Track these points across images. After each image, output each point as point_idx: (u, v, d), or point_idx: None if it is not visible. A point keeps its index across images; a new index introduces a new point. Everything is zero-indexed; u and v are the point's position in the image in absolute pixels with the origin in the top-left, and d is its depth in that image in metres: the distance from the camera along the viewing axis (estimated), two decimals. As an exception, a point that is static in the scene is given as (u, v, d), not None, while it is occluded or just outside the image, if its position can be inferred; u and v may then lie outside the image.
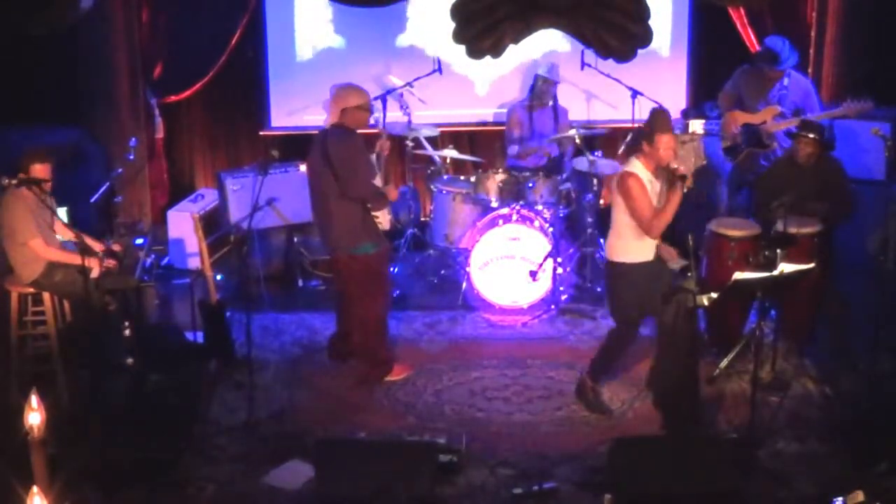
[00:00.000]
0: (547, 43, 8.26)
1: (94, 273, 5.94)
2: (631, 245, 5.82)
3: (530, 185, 7.55)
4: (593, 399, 6.15)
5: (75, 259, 5.92)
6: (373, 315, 6.33)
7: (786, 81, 7.58)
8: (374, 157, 6.40)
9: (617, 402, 6.21)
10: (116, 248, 6.22)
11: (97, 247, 6.11)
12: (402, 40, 8.86)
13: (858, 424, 5.76)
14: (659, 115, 5.80)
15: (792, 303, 6.50)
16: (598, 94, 8.78)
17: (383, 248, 6.36)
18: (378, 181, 6.31)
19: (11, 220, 6.01)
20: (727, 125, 7.74)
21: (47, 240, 6.10)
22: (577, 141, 7.79)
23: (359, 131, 6.26)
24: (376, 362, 6.42)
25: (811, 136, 6.68)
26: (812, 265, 5.80)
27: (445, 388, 6.41)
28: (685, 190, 5.61)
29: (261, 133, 9.00)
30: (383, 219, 6.30)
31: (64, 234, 6.24)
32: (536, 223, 7.40)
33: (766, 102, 7.57)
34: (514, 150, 8.16)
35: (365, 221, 6.19)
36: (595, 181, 7.68)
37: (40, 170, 5.99)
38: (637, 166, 5.72)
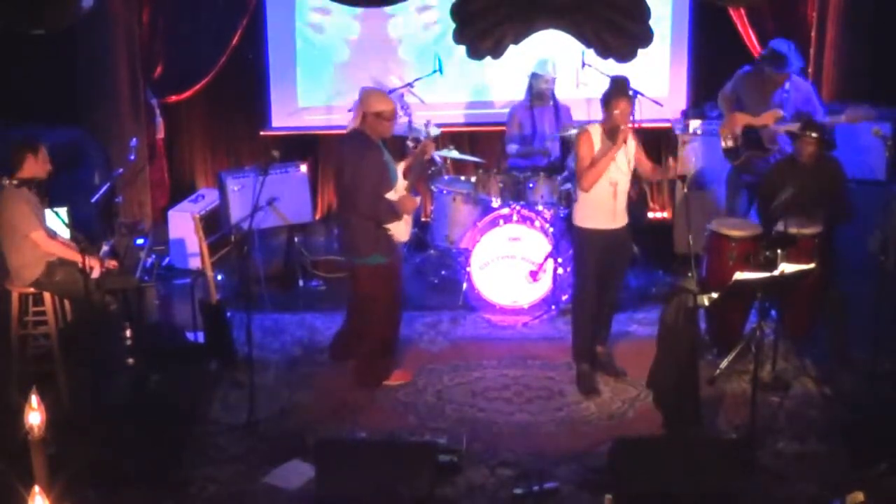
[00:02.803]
0: (547, 43, 8.25)
1: (95, 273, 5.94)
2: (582, 210, 6.26)
3: (531, 185, 7.55)
4: (585, 380, 6.29)
5: (76, 254, 5.92)
6: (376, 325, 6.30)
7: (787, 86, 7.55)
8: (401, 165, 6.30)
9: (617, 402, 6.21)
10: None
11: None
12: (403, 40, 8.86)
13: (858, 424, 5.76)
14: (616, 82, 6.26)
15: (792, 303, 6.50)
16: (598, 95, 8.76)
17: (394, 259, 6.28)
18: (400, 188, 6.20)
19: (13, 215, 6.00)
20: (728, 126, 7.72)
21: (49, 233, 6.10)
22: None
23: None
24: (372, 370, 6.40)
25: (813, 135, 6.69)
26: (812, 265, 5.80)
27: (446, 389, 6.41)
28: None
29: (261, 133, 9.00)
30: (399, 230, 6.18)
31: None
32: (537, 223, 7.41)
33: (768, 106, 7.55)
34: (512, 148, 8.15)
35: (377, 232, 6.11)
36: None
37: (34, 162, 6.01)
38: (594, 127, 6.26)
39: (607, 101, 6.17)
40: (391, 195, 6.11)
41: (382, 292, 6.23)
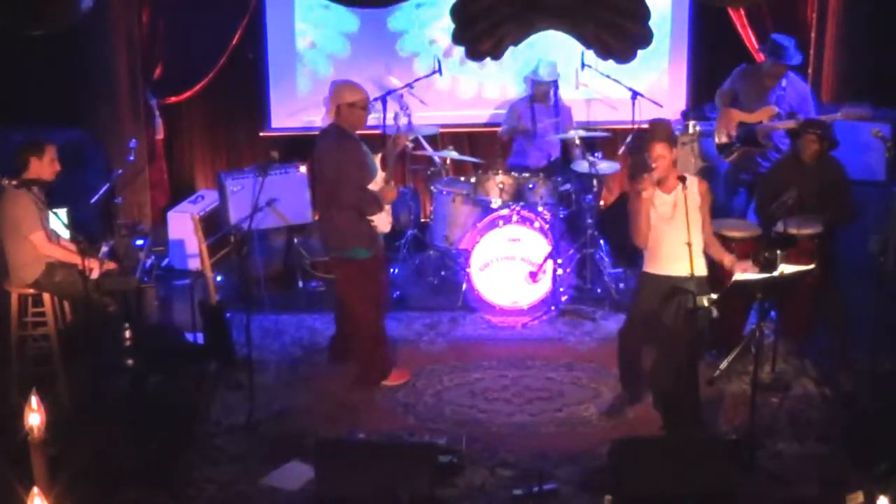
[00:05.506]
0: (547, 44, 8.27)
1: (94, 274, 5.94)
2: (646, 254, 5.82)
3: (530, 186, 7.55)
4: (613, 405, 6.16)
5: (75, 258, 5.92)
6: (366, 319, 6.31)
7: (783, 83, 7.58)
8: (378, 157, 6.34)
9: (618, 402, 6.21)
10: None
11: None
12: (403, 41, 8.86)
13: (858, 424, 5.76)
14: (654, 125, 5.85)
15: (792, 304, 6.51)
16: (597, 96, 8.79)
17: (377, 253, 6.30)
18: (380, 179, 6.25)
19: (15, 214, 6.00)
20: (723, 123, 7.74)
21: (49, 236, 6.10)
22: (577, 142, 7.80)
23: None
24: (372, 366, 6.41)
25: (816, 132, 6.69)
26: (812, 266, 5.80)
27: (445, 389, 6.41)
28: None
29: (261, 134, 9.00)
30: (381, 221, 6.23)
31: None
32: (536, 224, 7.40)
33: (764, 103, 7.57)
34: (503, 129, 8.31)
35: (359, 226, 6.14)
36: (595, 182, 7.68)
37: (38, 164, 6.01)
38: (647, 176, 5.72)
39: (646, 146, 5.74)
40: (372, 186, 6.16)
41: (368, 286, 6.25)
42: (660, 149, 5.62)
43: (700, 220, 5.68)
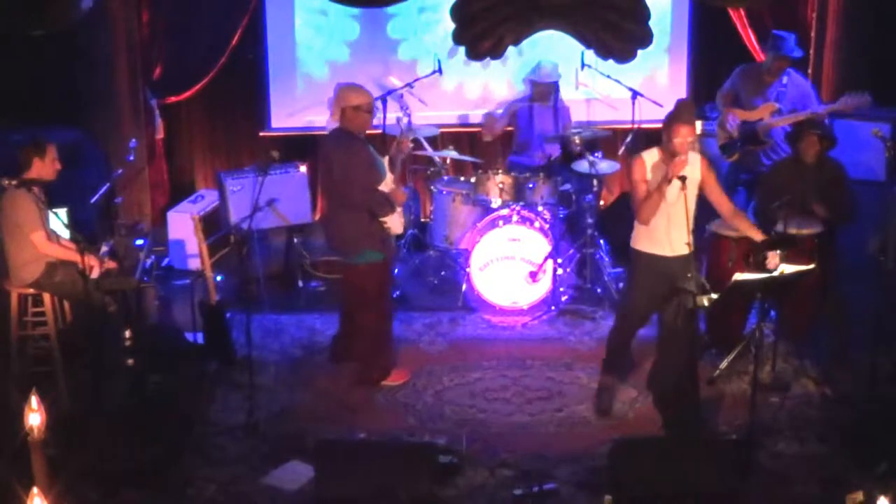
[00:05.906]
0: (548, 44, 8.26)
1: (94, 273, 5.94)
2: (639, 232, 5.80)
3: (531, 185, 7.54)
4: (602, 397, 6.16)
5: (75, 257, 5.92)
6: (371, 322, 6.31)
7: (784, 80, 7.58)
8: (386, 159, 6.32)
9: (618, 403, 6.21)
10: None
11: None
12: (403, 41, 8.86)
13: (858, 424, 5.76)
14: (680, 106, 5.76)
15: (792, 304, 6.50)
16: (598, 96, 8.78)
17: (386, 256, 6.30)
18: (389, 181, 6.24)
19: (17, 214, 6.00)
20: (724, 122, 7.74)
21: (49, 236, 6.10)
22: (577, 141, 7.80)
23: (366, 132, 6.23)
24: (374, 365, 6.41)
25: (816, 133, 6.69)
26: (812, 266, 5.79)
27: (445, 389, 6.41)
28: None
29: (261, 134, 8.99)
30: (395, 223, 6.22)
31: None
32: (536, 224, 7.40)
33: (764, 99, 7.58)
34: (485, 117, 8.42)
35: (370, 228, 6.13)
36: (595, 182, 7.68)
37: (41, 164, 6.01)
38: (651, 153, 5.74)
39: (667, 125, 5.63)
40: (382, 188, 6.16)
41: (377, 288, 6.26)
42: (685, 131, 5.58)
43: (695, 198, 5.71)
